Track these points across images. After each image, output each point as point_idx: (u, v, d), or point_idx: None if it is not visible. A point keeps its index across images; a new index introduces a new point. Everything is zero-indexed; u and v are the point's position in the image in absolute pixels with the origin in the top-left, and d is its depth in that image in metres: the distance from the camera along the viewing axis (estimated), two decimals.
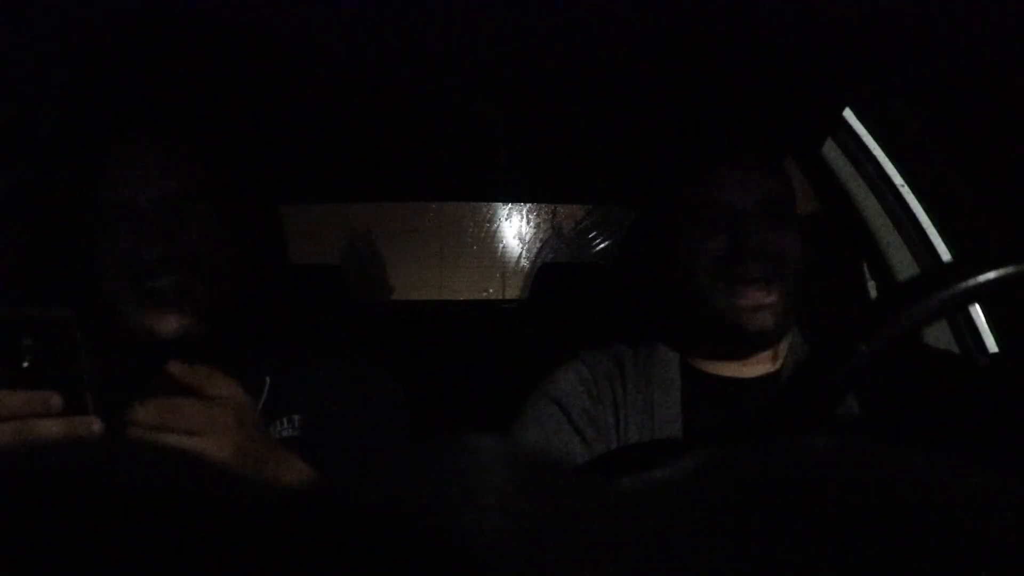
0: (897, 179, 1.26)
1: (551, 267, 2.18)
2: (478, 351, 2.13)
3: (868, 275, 1.33)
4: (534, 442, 0.87)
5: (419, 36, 0.89)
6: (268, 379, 0.86)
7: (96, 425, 0.60)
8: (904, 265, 1.26)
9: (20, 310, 0.60)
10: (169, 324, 0.81)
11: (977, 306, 1.22)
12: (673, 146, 0.94)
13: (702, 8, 0.82)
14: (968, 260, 0.52)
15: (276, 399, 0.78)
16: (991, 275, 0.50)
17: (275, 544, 0.14)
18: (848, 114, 1.23)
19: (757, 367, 0.91)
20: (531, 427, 0.88)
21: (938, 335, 1.25)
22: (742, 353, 0.90)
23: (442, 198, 2.20)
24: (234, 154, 0.90)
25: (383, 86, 1.09)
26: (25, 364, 0.59)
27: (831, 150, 1.26)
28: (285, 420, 0.86)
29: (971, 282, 0.50)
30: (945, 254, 1.25)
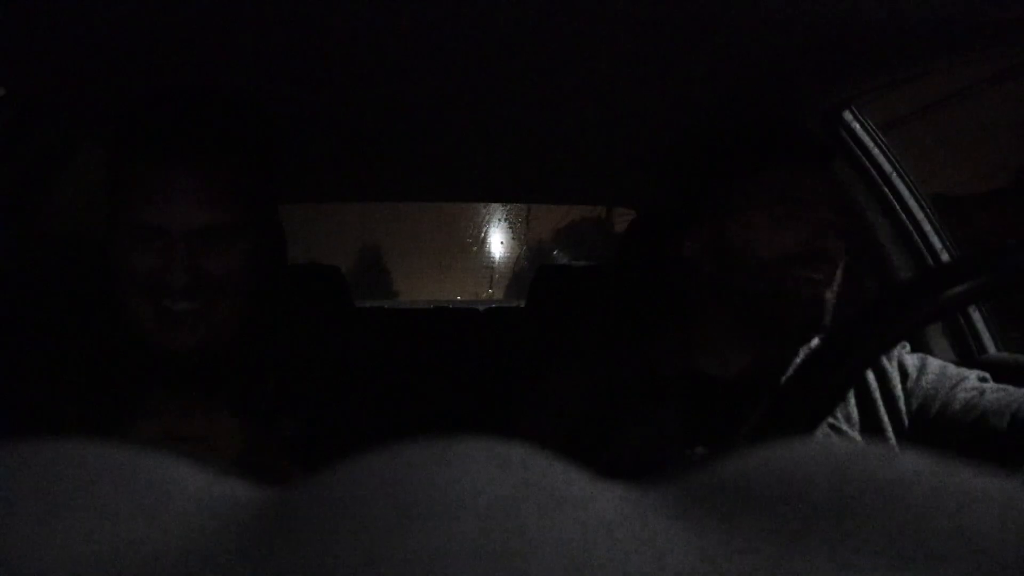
0: (896, 179, 1.26)
1: (549, 268, 2.17)
2: (475, 353, 2.13)
3: (867, 276, 1.33)
4: (529, 445, 0.87)
5: (418, 34, 0.89)
6: (269, 379, 0.87)
7: None
8: (903, 265, 1.26)
9: (7, 384, 0.59)
10: (185, 342, 0.81)
11: (975, 307, 1.22)
12: (742, 144, 0.95)
13: (700, 7, 0.82)
14: (990, 253, 0.51)
15: (278, 399, 0.78)
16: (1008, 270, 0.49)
17: (268, 544, 0.14)
18: (846, 114, 1.23)
19: (758, 371, 0.91)
20: (527, 430, 0.88)
21: (935, 335, 1.25)
22: (783, 344, 0.92)
23: (442, 198, 2.19)
24: (261, 175, 0.89)
25: (383, 85, 1.09)
26: (10, 436, 0.60)
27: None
28: (287, 420, 0.86)
29: (994, 275, 0.50)
30: (944, 255, 1.25)
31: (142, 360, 0.84)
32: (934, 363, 0.92)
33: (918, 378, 0.89)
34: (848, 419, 0.88)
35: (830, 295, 0.87)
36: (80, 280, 0.97)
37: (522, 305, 2.51)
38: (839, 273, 0.89)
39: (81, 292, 0.93)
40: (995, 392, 0.84)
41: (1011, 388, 0.85)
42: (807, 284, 0.86)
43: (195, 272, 0.79)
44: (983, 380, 0.88)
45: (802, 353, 0.93)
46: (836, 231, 0.88)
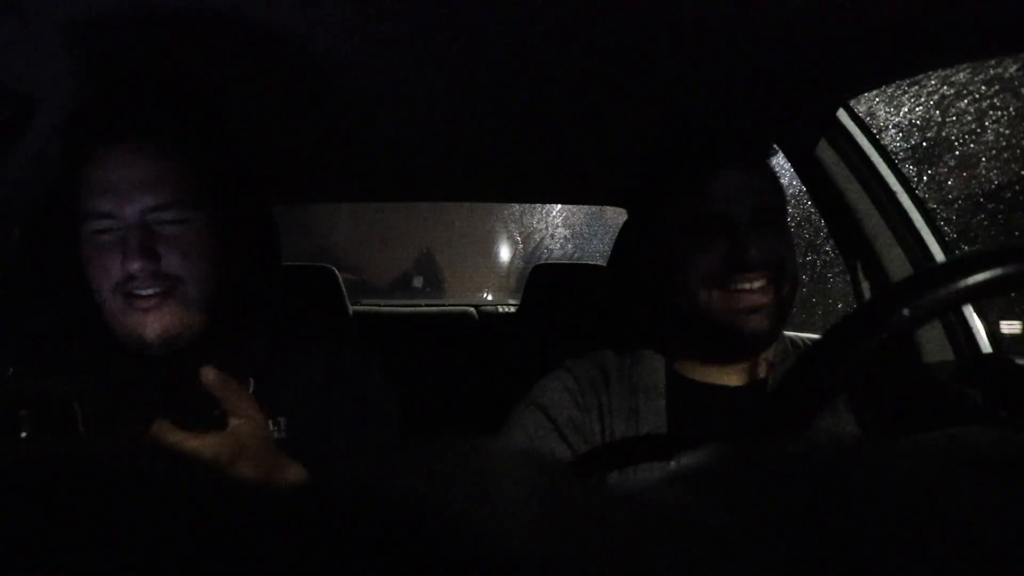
0: (891, 179, 1.26)
1: (544, 268, 2.17)
2: (471, 356, 2.13)
3: (862, 276, 1.34)
4: (522, 446, 0.87)
5: (416, 34, 0.89)
6: (252, 380, 0.86)
7: None
8: (897, 265, 1.26)
9: (19, 382, 0.62)
10: (153, 329, 0.81)
11: (970, 306, 1.22)
12: (665, 154, 0.93)
13: (696, 7, 0.82)
14: (985, 253, 0.51)
15: (261, 400, 0.78)
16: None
17: (265, 544, 0.14)
18: (841, 114, 1.23)
19: (743, 375, 0.91)
20: (517, 433, 0.88)
21: (931, 335, 1.25)
22: (735, 357, 0.90)
23: (441, 198, 2.20)
24: (223, 160, 0.90)
25: (381, 86, 1.09)
26: (23, 434, 0.61)
27: (825, 150, 1.26)
28: (271, 422, 0.86)
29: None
30: (939, 254, 1.25)
31: (118, 356, 0.85)
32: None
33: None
34: (838, 422, 0.87)
35: (770, 301, 0.84)
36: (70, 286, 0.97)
37: (513, 305, 2.51)
38: (786, 275, 0.86)
39: (73, 299, 0.93)
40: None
41: (1005, 411, 0.83)
42: (740, 298, 0.83)
43: (153, 255, 0.80)
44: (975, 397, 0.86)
45: (775, 356, 0.92)
46: (766, 236, 0.85)
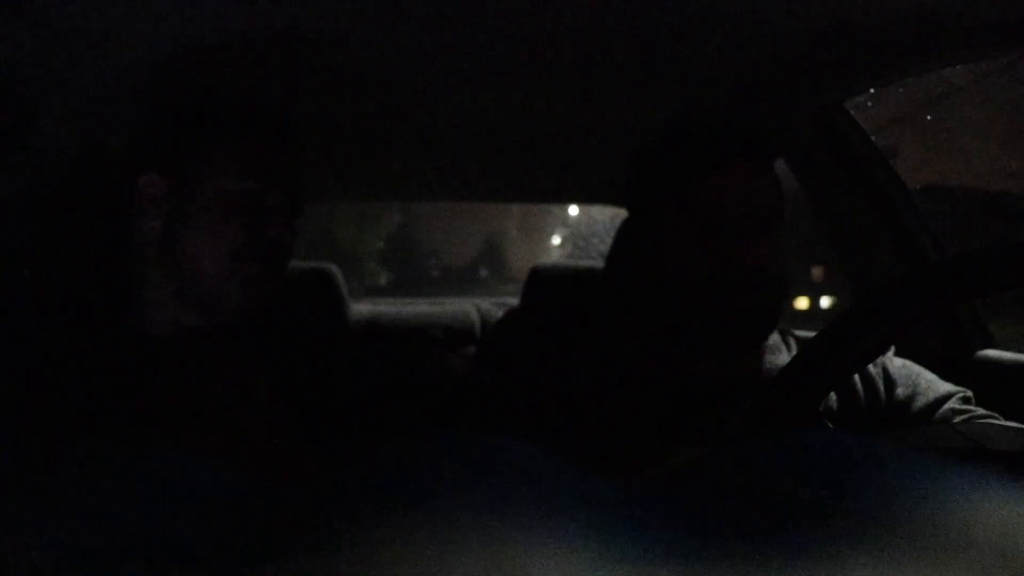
0: (885, 179, 1.26)
1: (543, 269, 2.16)
2: (471, 355, 2.12)
3: (857, 275, 1.34)
4: (522, 444, 0.87)
5: (418, 34, 0.90)
6: (258, 376, 0.87)
7: None
8: (892, 264, 1.26)
9: None
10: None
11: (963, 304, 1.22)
12: (661, 154, 0.94)
13: (694, 7, 0.83)
14: (979, 252, 0.51)
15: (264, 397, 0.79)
16: None
17: (268, 540, 0.14)
18: (837, 114, 1.23)
19: (738, 368, 0.91)
20: (517, 429, 0.88)
21: (924, 333, 1.25)
22: (726, 355, 0.91)
23: (442, 198, 2.19)
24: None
25: (383, 85, 1.09)
26: None
27: (820, 150, 1.26)
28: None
29: None
30: (932, 254, 1.25)
31: (133, 347, 0.86)
32: (919, 376, 0.90)
33: (901, 387, 0.87)
34: (831, 416, 0.87)
35: (757, 304, 0.85)
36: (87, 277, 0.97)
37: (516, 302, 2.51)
38: (774, 278, 0.87)
39: (88, 288, 0.94)
40: (980, 421, 0.82)
41: (997, 416, 0.83)
42: (727, 300, 0.84)
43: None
44: (966, 401, 0.86)
45: (772, 351, 0.93)
46: (766, 238, 0.86)
